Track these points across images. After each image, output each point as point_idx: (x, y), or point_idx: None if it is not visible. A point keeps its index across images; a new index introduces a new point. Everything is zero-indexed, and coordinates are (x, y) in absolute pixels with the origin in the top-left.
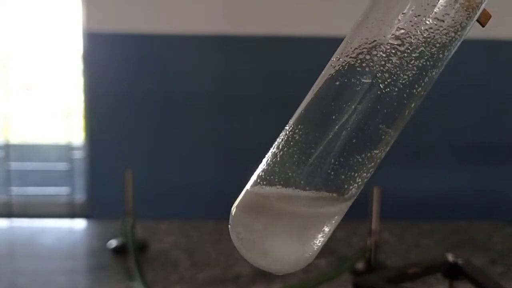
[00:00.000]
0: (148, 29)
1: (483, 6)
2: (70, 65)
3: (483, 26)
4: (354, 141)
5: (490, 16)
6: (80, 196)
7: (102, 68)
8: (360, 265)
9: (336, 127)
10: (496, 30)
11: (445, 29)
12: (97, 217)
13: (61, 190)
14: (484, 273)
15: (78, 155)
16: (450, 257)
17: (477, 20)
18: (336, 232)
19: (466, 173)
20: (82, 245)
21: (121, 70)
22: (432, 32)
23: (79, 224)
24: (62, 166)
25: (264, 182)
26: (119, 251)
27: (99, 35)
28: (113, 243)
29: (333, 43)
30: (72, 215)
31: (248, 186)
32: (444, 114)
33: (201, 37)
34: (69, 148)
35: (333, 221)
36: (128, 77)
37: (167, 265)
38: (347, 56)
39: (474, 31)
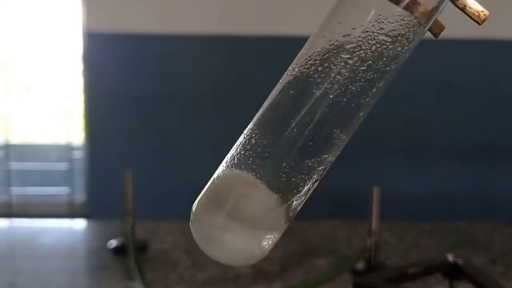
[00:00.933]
0: (148, 29)
1: (433, 19)
2: (70, 65)
3: (436, 37)
4: (304, 146)
5: (444, 27)
6: (80, 196)
7: (102, 68)
8: (360, 265)
9: (289, 133)
10: (496, 30)
11: (392, 44)
12: (97, 217)
13: (61, 190)
14: (484, 273)
15: (78, 155)
16: (450, 257)
17: (431, 31)
18: (336, 232)
19: (466, 173)
20: (82, 245)
21: (121, 70)
22: (379, 47)
23: (79, 224)
24: (62, 166)
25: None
26: (119, 251)
27: (99, 35)
28: (113, 243)
29: None
30: (72, 215)
31: (207, 185)
32: (444, 114)
33: (201, 37)
34: (69, 148)
35: (282, 229)
36: (128, 77)
37: (167, 265)
38: (301, 66)
39: (474, 31)
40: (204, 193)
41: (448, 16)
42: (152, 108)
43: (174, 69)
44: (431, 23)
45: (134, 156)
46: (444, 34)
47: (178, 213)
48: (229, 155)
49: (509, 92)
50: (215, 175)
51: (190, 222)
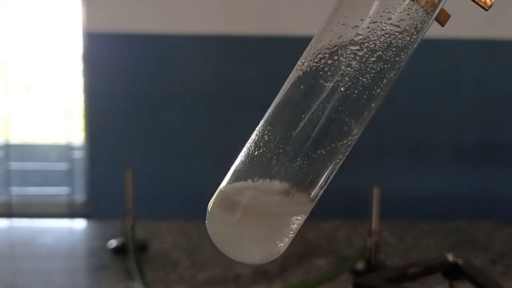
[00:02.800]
0: (148, 29)
1: (440, 7)
2: (70, 65)
3: (442, 26)
4: (319, 140)
5: (449, 16)
6: (80, 196)
7: (102, 68)
8: (360, 265)
9: (301, 128)
10: (496, 30)
11: (400, 33)
12: (97, 217)
13: (61, 190)
14: (484, 273)
15: (78, 155)
16: (450, 257)
17: (437, 20)
18: (336, 232)
19: (466, 173)
20: (82, 245)
21: (121, 70)
22: (388, 37)
23: (79, 224)
24: (62, 166)
25: (238, 180)
26: (119, 251)
27: (99, 35)
28: (113, 243)
29: None
30: (72, 215)
31: (222, 184)
32: (444, 114)
33: (201, 37)
34: (69, 148)
35: (300, 218)
36: (128, 77)
37: (167, 265)
38: (310, 60)
39: (474, 31)
40: (219, 193)
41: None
42: (152, 108)
43: (174, 69)
44: (437, 11)
45: (134, 156)
46: (444, 34)
47: (178, 213)
48: (242, 153)
49: (509, 92)
50: (229, 174)
51: (206, 221)
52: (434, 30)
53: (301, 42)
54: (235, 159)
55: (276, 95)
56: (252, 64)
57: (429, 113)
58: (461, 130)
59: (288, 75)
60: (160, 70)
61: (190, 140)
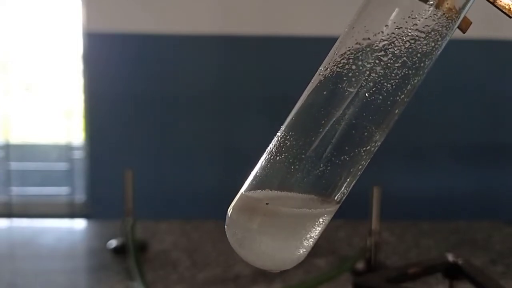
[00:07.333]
0: (148, 29)
1: (463, 15)
2: (70, 65)
3: (463, 32)
4: (341, 146)
5: (471, 23)
6: (80, 196)
7: (102, 68)
8: (360, 265)
9: (324, 133)
10: (496, 30)
11: (425, 39)
12: (97, 217)
13: (61, 190)
14: (484, 273)
15: (78, 155)
16: (450, 257)
17: (458, 27)
18: (336, 232)
19: (466, 173)
20: (82, 245)
21: (121, 70)
22: (413, 43)
23: (79, 224)
24: (62, 166)
25: (258, 185)
26: (119, 251)
27: (99, 35)
28: (113, 243)
29: (333, 43)
30: (72, 215)
31: (243, 189)
32: (444, 114)
33: (201, 37)
34: (69, 148)
35: (323, 222)
36: (128, 77)
37: (167, 265)
38: (334, 66)
39: (474, 31)
40: (239, 197)
41: None
42: (152, 108)
43: (174, 69)
44: (461, 18)
45: (134, 156)
46: None
47: (178, 213)
48: (262, 158)
49: (509, 92)
50: (250, 178)
51: (225, 226)
52: None
53: (301, 42)
54: (235, 159)
55: (276, 94)
56: (252, 64)
57: (429, 113)
58: (461, 130)
59: (288, 75)
60: (160, 70)
61: (190, 140)
